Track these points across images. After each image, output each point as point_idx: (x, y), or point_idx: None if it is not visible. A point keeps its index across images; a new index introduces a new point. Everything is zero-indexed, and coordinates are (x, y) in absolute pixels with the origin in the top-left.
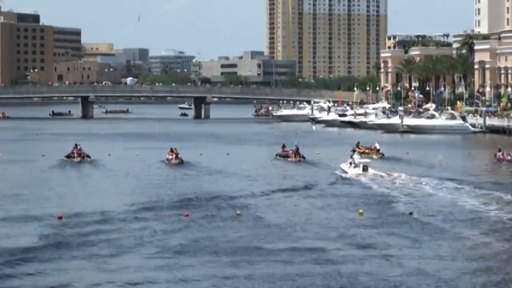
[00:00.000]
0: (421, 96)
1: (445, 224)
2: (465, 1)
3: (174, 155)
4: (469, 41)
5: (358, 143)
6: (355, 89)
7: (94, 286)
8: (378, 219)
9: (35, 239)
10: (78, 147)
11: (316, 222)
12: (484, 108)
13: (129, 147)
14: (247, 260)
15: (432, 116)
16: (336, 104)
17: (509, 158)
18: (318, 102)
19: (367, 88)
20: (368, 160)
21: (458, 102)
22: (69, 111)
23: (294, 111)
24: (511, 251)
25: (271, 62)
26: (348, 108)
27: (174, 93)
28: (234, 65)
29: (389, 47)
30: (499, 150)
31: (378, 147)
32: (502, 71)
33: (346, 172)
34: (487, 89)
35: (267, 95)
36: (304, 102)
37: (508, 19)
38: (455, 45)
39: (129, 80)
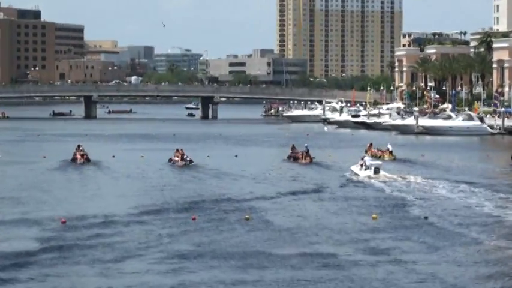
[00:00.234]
0: (437, 96)
1: (461, 229)
2: None
3: (180, 157)
4: (487, 39)
5: (371, 144)
6: (369, 88)
7: None
8: (391, 223)
9: (36, 243)
10: (81, 148)
11: (328, 227)
12: (502, 109)
13: (133, 149)
14: (256, 265)
15: (449, 117)
16: (348, 105)
17: None
18: (329, 103)
19: (381, 88)
20: (379, 162)
21: (475, 102)
22: (70, 111)
23: (305, 112)
24: None
25: (281, 61)
26: (361, 108)
27: (181, 92)
28: (243, 64)
29: (404, 45)
30: None
31: (390, 148)
32: None
33: (357, 174)
34: (506, 88)
35: (277, 95)
36: (316, 103)
37: None
38: (473, 44)
39: (133, 79)
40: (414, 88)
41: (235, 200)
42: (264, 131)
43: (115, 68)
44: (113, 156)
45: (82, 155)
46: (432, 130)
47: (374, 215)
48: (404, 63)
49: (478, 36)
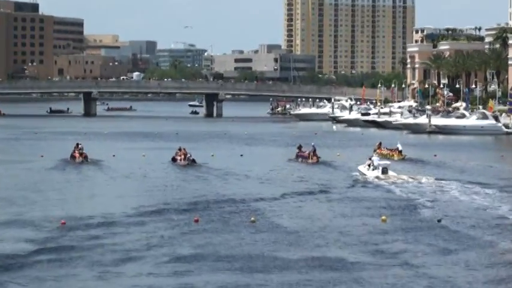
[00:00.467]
0: (450, 94)
1: (475, 232)
2: None
3: (183, 155)
4: (502, 35)
5: (380, 143)
6: (379, 86)
7: None
8: (402, 226)
9: (33, 245)
10: (80, 146)
11: (336, 230)
12: None
13: (135, 148)
14: (262, 269)
15: (462, 116)
16: (358, 102)
17: None
18: (339, 100)
19: (392, 85)
20: (388, 162)
21: (490, 100)
22: (68, 108)
23: (313, 110)
24: None
25: (289, 57)
26: (371, 106)
27: (184, 89)
28: (249, 60)
29: (416, 41)
30: None
31: (400, 148)
32: None
33: (365, 174)
34: None
35: (284, 92)
36: (325, 100)
37: None
38: (487, 40)
39: (135, 75)
40: (426, 85)
41: (240, 201)
42: (271, 129)
43: (116, 63)
44: (114, 156)
45: (81, 154)
46: (445, 129)
47: (384, 217)
48: (416, 59)
49: (493, 32)
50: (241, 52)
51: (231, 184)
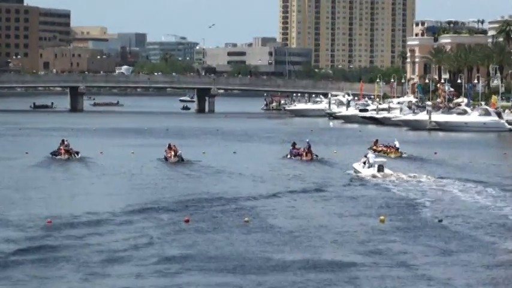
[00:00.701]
0: (451, 89)
1: (477, 232)
2: None
3: (173, 152)
4: (506, 28)
5: (377, 140)
6: (378, 81)
7: None
8: (401, 226)
9: (18, 245)
10: (66, 143)
11: (332, 230)
12: None
13: (123, 144)
14: (255, 271)
15: (464, 112)
16: (356, 98)
17: None
18: (336, 96)
19: (391, 80)
20: (384, 159)
21: (493, 96)
22: (52, 103)
23: (309, 106)
24: None
25: (284, 50)
26: (369, 102)
27: (175, 84)
28: (243, 53)
29: (416, 34)
30: None
31: (397, 145)
32: None
33: (360, 172)
34: None
35: (279, 87)
36: (321, 96)
37: None
38: (490, 33)
39: (124, 68)
40: (427, 80)
41: (233, 200)
42: (265, 126)
43: (104, 56)
44: (101, 152)
45: (67, 150)
46: (446, 126)
47: (382, 217)
48: (416, 53)
49: (497, 25)
50: (235, 45)
51: (223, 182)
